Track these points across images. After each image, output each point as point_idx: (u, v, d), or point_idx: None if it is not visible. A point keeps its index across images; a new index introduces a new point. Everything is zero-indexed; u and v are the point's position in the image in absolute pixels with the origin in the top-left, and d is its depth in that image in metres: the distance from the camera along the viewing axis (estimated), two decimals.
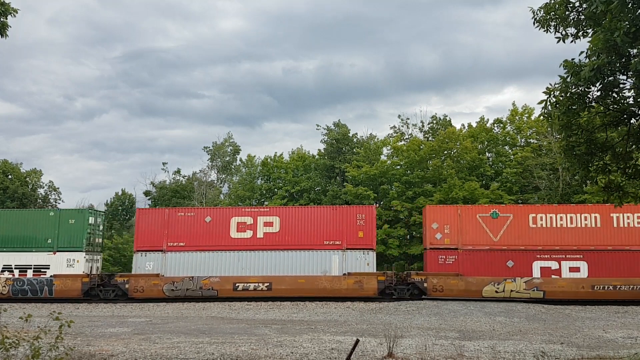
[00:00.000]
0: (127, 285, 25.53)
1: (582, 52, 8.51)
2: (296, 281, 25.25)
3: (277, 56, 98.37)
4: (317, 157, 44.42)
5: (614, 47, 7.73)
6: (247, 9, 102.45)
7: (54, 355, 7.90)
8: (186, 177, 51.31)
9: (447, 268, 25.13)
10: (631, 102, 9.05)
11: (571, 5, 8.97)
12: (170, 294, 25.33)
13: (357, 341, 10.46)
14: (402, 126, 45.81)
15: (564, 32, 9.27)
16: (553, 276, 24.68)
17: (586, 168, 9.89)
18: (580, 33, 9.09)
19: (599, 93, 8.90)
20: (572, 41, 9.29)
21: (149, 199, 49.27)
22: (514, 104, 48.25)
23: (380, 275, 25.22)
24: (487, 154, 41.11)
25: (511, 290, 24.50)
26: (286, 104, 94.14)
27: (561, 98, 8.88)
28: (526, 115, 40.96)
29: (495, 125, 42.33)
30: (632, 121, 9.49)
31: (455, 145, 39.05)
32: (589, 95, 8.90)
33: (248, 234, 26.20)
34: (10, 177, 48.14)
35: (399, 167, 40.24)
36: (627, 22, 7.46)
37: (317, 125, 65.31)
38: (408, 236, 37.43)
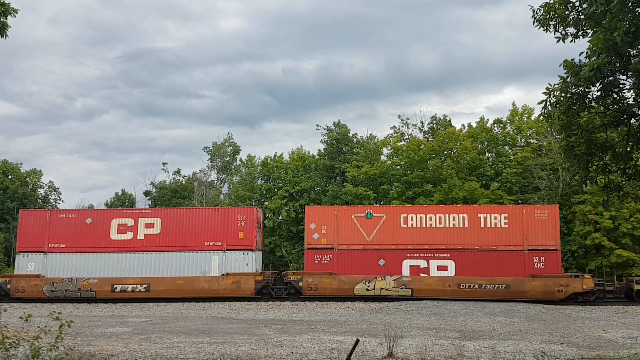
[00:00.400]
0: (9, 286, 26.02)
1: (582, 52, 8.53)
2: (175, 282, 25.63)
3: (277, 56, 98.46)
4: (317, 157, 44.38)
5: (613, 47, 7.73)
6: (247, 9, 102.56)
7: (54, 355, 7.91)
8: (186, 177, 51.30)
9: (323, 267, 25.75)
10: (631, 102, 9.05)
11: (571, 4, 8.97)
12: (50, 295, 25.82)
13: (357, 341, 10.46)
14: (402, 126, 45.81)
15: (563, 32, 9.27)
16: (422, 274, 25.34)
17: (586, 168, 9.89)
18: (580, 33, 9.09)
19: (599, 93, 8.91)
20: (571, 41, 9.29)
21: (149, 199, 49.26)
22: (514, 104, 48.25)
23: (257, 275, 25.69)
24: (487, 154, 41.05)
25: (381, 288, 25.22)
26: (286, 104, 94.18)
27: (561, 98, 8.89)
28: (526, 115, 40.91)
29: (495, 125, 42.28)
30: (632, 121, 9.50)
31: (455, 145, 39.03)
32: (589, 96, 8.91)
33: (129, 235, 26.48)
34: (10, 177, 48.13)
35: (399, 167, 40.21)
36: (626, 22, 7.46)
37: (317, 126, 65.29)
38: None
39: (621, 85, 8.74)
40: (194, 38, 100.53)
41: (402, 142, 42.97)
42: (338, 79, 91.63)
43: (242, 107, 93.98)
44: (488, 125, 42.16)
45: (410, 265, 25.50)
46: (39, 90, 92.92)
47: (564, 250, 33.49)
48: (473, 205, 28.44)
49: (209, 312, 22.18)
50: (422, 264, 25.50)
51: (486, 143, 40.90)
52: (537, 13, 9.40)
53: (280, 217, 40.15)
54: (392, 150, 42.66)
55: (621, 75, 8.58)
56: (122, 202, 51.01)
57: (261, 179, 44.93)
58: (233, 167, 52.37)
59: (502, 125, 41.89)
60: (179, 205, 43.48)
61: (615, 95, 9.00)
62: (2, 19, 9.75)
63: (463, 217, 25.74)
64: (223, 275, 25.65)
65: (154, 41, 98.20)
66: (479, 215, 25.72)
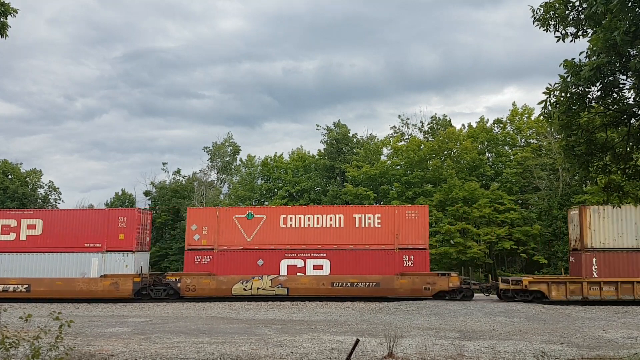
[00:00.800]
0: None
1: (582, 52, 8.51)
2: (54, 283, 25.93)
3: (277, 56, 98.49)
4: (317, 157, 44.39)
5: (613, 46, 7.73)
6: (247, 9, 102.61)
7: (54, 355, 7.91)
8: (186, 177, 51.26)
9: (203, 268, 26.13)
10: (631, 102, 9.04)
11: (571, 4, 8.96)
12: None
13: (357, 341, 10.46)
14: (402, 126, 45.82)
15: (563, 32, 9.26)
16: (299, 274, 25.87)
17: (586, 168, 9.87)
18: (580, 33, 9.08)
19: (599, 93, 8.90)
20: (571, 40, 9.28)
21: (149, 199, 49.23)
22: (514, 104, 48.23)
23: (135, 277, 25.94)
24: (487, 154, 41.08)
25: (258, 288, 25.70)
26: (286, 104, 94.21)
27: (561, 98, 8.87)
28: (526, 115, 40.94)
29: (495, 125, 42.31)
30: (632, 121, 9.48)
31: (455, 145, 39.04)
32: (589, 96, 8.90)
33: (11, 236, 26.81)
34: (10, 177, 48.11)
35: (398, 167, 40.21)
36: (626, 22, 7.45)
37: (317, 126, 65.25)
38: None
39: (621, 85, 8.73)
40: (194, 38, 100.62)
41: (402, 142, 42.97)
42: (338, 79, 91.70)
43: (242, 107, 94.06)
44: (488, 125, 42.18)
45: (288, 265, 26.07)
46: (39, 90, 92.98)
47: (564, 250, 33.54)
48: (349, 206, 29.65)
49: (209, 312, 22.18)
50: (300, 263, 26.09)
51: (486, 143, 40.92)
52: (537, 13, 9.39)
53: None
54: (392, 150, 42.66)
55: (621, 75, 8.57)
56: (122, 202, 50.97)
57: (261, 179, 44.93)
58: (233, 167, 52.36)
59: (502, 125, 41.90)
60: (179, 205, 43.45)
61: (615, 95, 8.99)
62: (2, 19, 9.74)
63: (339, 218, 26.44)
64: (101, 276, 25.96)
65: (154, 41, 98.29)
66: (354, 215, 26.47)
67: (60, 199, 51.84)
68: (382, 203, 39.01)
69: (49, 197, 51.24)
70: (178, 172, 51.71)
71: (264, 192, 43.62)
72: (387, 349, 11.45)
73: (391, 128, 47.38)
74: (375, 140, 45.40)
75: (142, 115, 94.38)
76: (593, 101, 9.04)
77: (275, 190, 43.09)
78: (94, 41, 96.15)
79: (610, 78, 8.53)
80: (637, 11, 7.47)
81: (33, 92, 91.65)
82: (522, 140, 40.84)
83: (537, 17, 9.39)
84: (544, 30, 9.34)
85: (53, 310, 8.26)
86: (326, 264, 25.97)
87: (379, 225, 26.07)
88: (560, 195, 35.11)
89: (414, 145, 39.69)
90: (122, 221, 26.45)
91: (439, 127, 43.59)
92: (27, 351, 7.54)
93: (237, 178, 49.27)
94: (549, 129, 34.65)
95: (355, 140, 44.22)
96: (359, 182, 39.03)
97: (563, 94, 8.83)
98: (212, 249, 26.23)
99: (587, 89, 8.75)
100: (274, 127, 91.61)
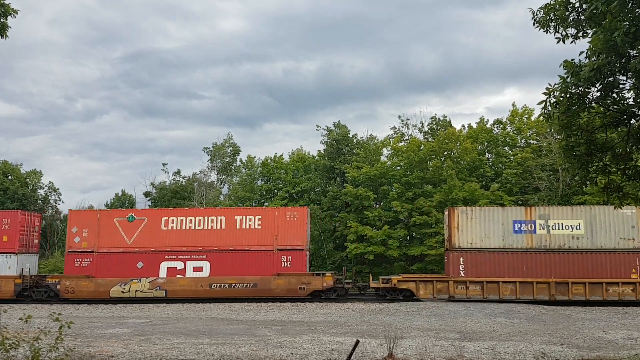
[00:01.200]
0: None
1: (582, 53, 8.50)
2: None
3: (277, 57, 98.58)
4: (317, 158, 44.35)
5: (613, 47, 7.72)
6: (247, 9, 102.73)
7: (54, 357, 7.91)
8: (186, 178, 51.25)
9: (83, 270, 26.36)
10: (631, 102, 9.03)
11: (571, 5, 8.95)
12: None
13: (357, 342, 10.44)
14: (402, 127, 45.78)
15: (563, 33, 9.25)
16: (178, 276, 26.13)
17: (586, 169, 9.86)
18: (580, 34, 9.07)
19: (598, 93, 8.89)
20: (572, 42, 9.27)
21: (149, 200, 49.22)
22: (514, 105, 48.18)
23: (17, 279, 26.34)
24: (487, 154, 41.05)
25: (136, 290, 26.00)
26: (286, 105, 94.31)
27: (561, 98, 8.87)
28: (526, 116, 40.94)
29: (495, 126, 42.30)
30: (632, 122, 9.48)
31: (455, 146, 39.02)
32: (588, 96, 8.89)
33: None
34: (10, 178, 48.09)
35: (398, 168, 40.15)
36: (627, 22, 7.46)
37: (317, 126, 65.18)
38: (408, 237, 37.37)
39: (621, 86, 8.72)
40: (194, 38, 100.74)
41: (402, 143, 42.91)
42: (338, 80, 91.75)
43: (242, 107, 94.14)
44: (488, 126, 42.16)
45: (168, 267, 26.33)
46: (40, 91, 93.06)
47: None
48: (230, 208, 30.25)
49: (209, 313, 22.19)
50: (179, 265, 26.35)
51: (486, 144, 40.89)
52: (536, 15, 9.39)
53: None
54: (392, 150, 42.60)
55: (621, 76, 8.56)
56: (122, 203, 50.95)
57: (261, 180, 44.90)
58: (233, 167, 52.34)
59: (502, 125, 41.89)
60: (179, 206, 43.42)
61: (615, 96, 8.98)
62: (2, 20, 9.73)
63: (221, 220, 26.65)
64: None
65: (154, 41, 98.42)
66: (235, 217, 26.69)
67: (60, 200, 51.87)
68: (382, 203, 38.99)
69: (49, 198, 51.24)
70: (178, 172, 51.75)
71: (264, 192, 43.58)
72: (387, 350, 11.45)
73: (391, 129, 47.36)
74: (375, 140, 45.36)
75: (143, 115, 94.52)
76: (593, 102, 9.03)
77: (275, 191, 43.04)
78: (94, 41, 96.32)
79: (610, 79, 8.52)
80: (637, 12, 7.48)
81: (33, 92, 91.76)
82: (522, 141, 40.81)
83: (537, 19, 9.38)
84: (544, 31, 9.34)
85: (53, 312, 8.26)
86: (206, 265, 26.24)
87: (259, 227, 26.42)
88: (560, 196, 35.10)
89: (413, 145, 39.65)
90: (5, 223, 26.89)
91: (439, 127, 43.57)
92: (27, 352, 7.55)
93: (237, 179, 49.24)
94: (548, 130, 34.62)
95: (355, 140, 44.18)
96: (359, 183, 38.99)
97: (563, 95, 8.83)
98: (92, 251, 26.49)
99: (587, 90, 8.74)
100: (274, 127, 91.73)
